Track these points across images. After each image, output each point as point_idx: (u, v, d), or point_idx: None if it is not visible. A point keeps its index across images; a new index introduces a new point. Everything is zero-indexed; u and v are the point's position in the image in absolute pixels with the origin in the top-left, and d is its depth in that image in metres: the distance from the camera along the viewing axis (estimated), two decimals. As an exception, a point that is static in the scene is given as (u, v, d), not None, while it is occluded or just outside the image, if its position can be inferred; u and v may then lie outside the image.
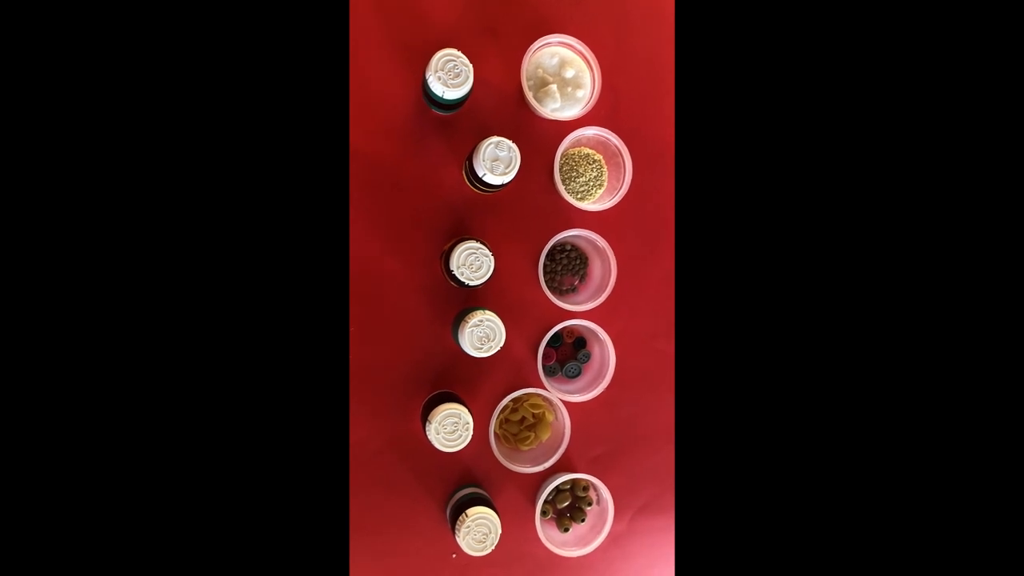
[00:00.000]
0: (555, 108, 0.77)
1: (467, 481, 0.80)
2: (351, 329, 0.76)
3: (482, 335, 0.71)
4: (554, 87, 0.77)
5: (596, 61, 0.77)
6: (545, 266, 0.79)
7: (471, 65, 0.69)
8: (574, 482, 0.81)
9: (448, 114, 0.77)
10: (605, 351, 0.80)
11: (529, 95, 0.75)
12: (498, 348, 0.72)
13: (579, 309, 0.78)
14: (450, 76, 0.69)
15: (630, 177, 0.78)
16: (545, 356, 0.79)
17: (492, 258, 0.71)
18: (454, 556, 0.79)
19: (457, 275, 0.71)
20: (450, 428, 0.71)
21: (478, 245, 0.71)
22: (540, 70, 0.77)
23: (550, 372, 0.81)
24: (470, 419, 0.71)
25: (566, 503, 0.81)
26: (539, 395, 0.79)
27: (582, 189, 0.80)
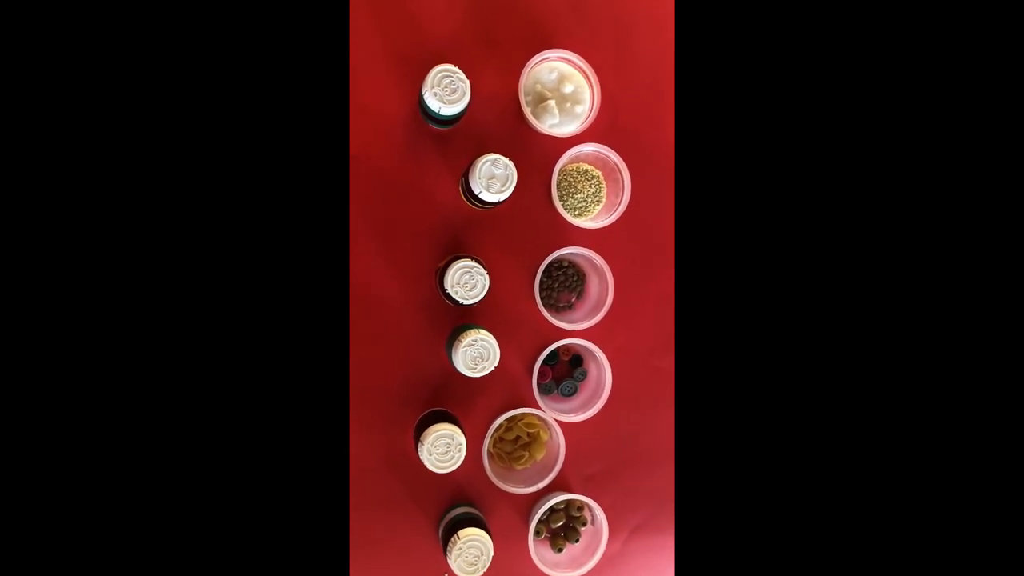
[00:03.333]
0: (553, 124, 0.76)
1: (460, 500, 0.80)
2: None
3: (476, 355, 0.70)
4: (552, 103, 0.76)
5: (595, 76, 0.76)
6: (542, 283, 0.78)
7: (468, 81, 0.68)
8: (568, 502, 0.80)
9: (445, 129, 0.76)
10: (601, 370, 0.79)
11: (527, 110, 0.74)
12: (492, 368, 0.71)
13: (575, 328, 0.77)
14: (446, 92, 0.68)
15: (629, 194, 0.77)
16: (541, 374, 0.79)
17: (487, 277, 0.70)
18: (445, 575, 0.79)
19: (451, 293, 0.70)
20: (443, 449, 0.70)
21: (473, 263, 0.70)
22: (538, 85, 0.76)
23: (546, 390, 0.80)
24: (463, 440, 0.70)
25: (560, 523, 0.80)
26: (534, 414, 0.78)
27: (580, 205, 0.79)
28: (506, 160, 0.69)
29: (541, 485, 0.77)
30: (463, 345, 0.70)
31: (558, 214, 0.76)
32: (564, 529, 0.81)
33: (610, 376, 0.78)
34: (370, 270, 0.76)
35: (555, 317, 0.77)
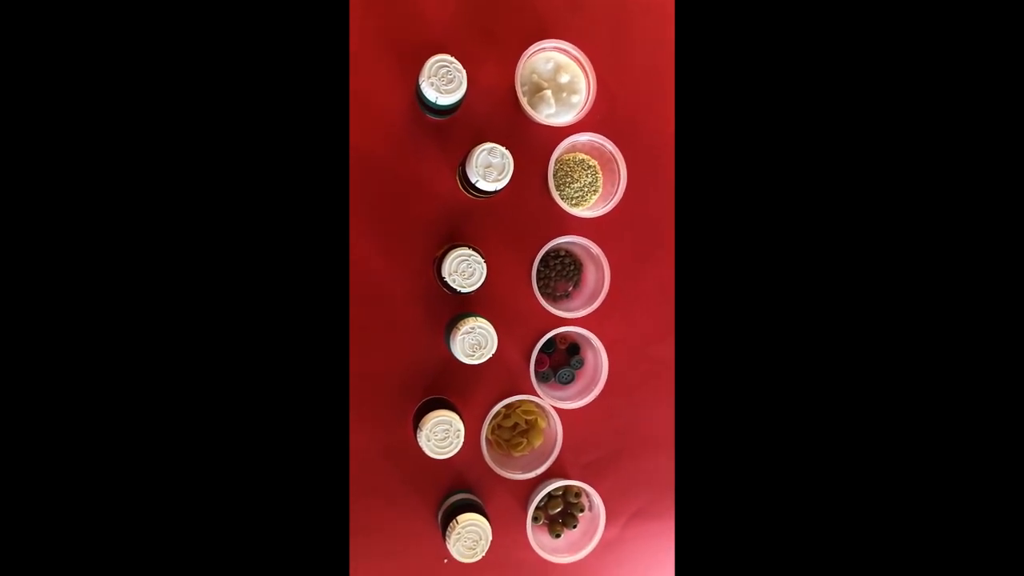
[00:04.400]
0: (550, 113, 0.77)
1: (459, 486, 0.80)
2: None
3: (474, 342, 0.71)
4: (549, 92, 0.76)
5: (591, 66, 0.76)
6: (539, 272, 0.79)
7: (464, 71, 0.69)
8: (566, 488, 0.81)
9: (442, 119, 0.77)
10: (598, 358, 0.79)
11: (523, 100, 0.75)
12: (490, 355, 0.71)
13: (572, 316, 0.78)
14: (443, 82, 0.69)
15: (625, 183, 0.77)
16: (538, 362, 0.79)
17: (484, 265, 0.71)
18: (445, 561, 0.80)
19: (449, 282, 0.70)
20: (441, 435, 0.71)
21: (470, 252, 0.70)
22: (535, 75, 0.77)
23: (543, 378, 0.81)
24: (461, 426, 0.71)
25: (558, 509, 0.81)
26: (532, 401, 0.79)
27: (577, 195, 0.80)
28: (503, 149, 0.70)
29: (539, 471, 0.78)
30: (461, 333, 0.71)
31: (555, 203, 0.77)
32: (562, 515, 0.81)
33: (606, 364, 0.79)
34: (367, 259, 0.76)
35: (552, 306, 0.78)
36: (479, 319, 0.72)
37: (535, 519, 0.79)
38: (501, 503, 0.81)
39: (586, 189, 0.80)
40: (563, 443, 0.79)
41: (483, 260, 0.71)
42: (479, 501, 0.78)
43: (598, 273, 0.79)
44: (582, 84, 0.77)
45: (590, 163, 0.80)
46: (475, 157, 0.69)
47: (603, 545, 0.81)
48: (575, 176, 0.79)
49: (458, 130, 0.77)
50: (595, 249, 0.78)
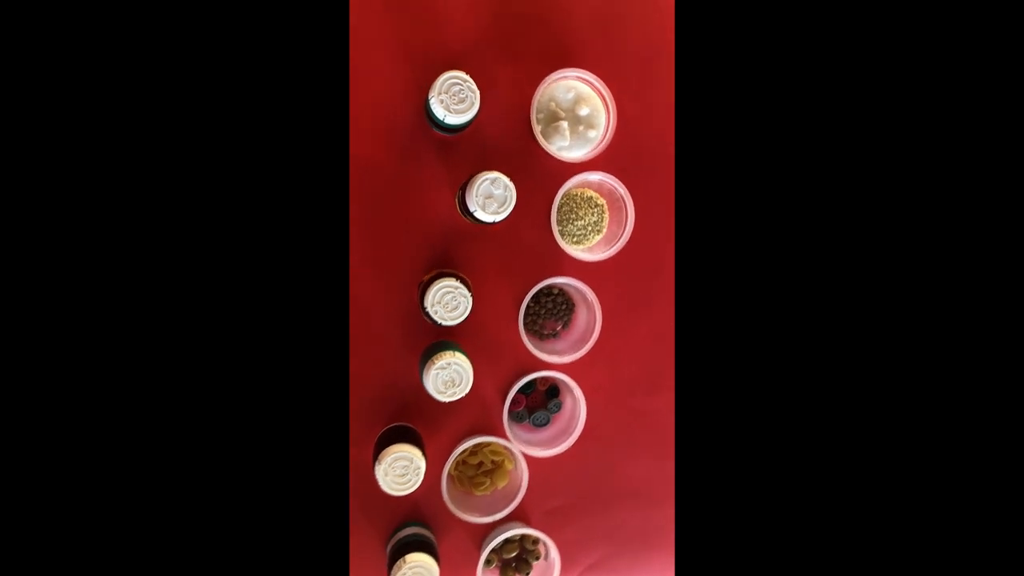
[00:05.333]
0: (563, 146, 0.72)
1: (414, 517, 0.77)
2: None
3: (447, 379, 0.67)
4: (565, 124, 0.72)
5: (614, 102, 0.72)
6: (528, 308, 0.75)
7: (478, 91, 0.64)
8: (524, 535, 0.77)
9: (450, 136, 0.72)
10: (576, 405, 0.76)
11: (536, 129, 0.70)
12: (463, 394, 0.68)
13: (557, 361, 0.74)
14: (454, 101, 0.64)
15: (631, 229, 0.73)
16: (514, 403, 0.76)
17: (470, 299, 0.67)
18: (389, 593, 0.77)
19: (431, 313, 0.66)
20: (400, 471, 0.67)
21: (456, 284, 0.66)
22: (553, 103, 0.72)
23: (517, 418, 0.78)
24: (422, 464, 0.68)
25: (513, 554, 0.78)
26: (501, 444, 0.75)
27: (579, 232, 0.75)
28: (507, 180, 0.65)
29: (498, 516, 0.75)
30: (435, 367, 0.67)
31: (555, 240, 0.72)
32: (516, 560, 0.78)
33: (584, 413, 0.75)
34: (353, 271, 0.72)
35: (537, 346, 0.74)
36: (456, 354, 0.68)
37: (488, 562, 0.76)
38: (455, 539, 0.78)
39: (589, 228, 0.75)
40: (528, 487, 0.76)
41: (469, 293, 0.67)
42: (431, 538, 0.75)
43: (589, 316, 0.75)
44: (601, 119, 0.73)
45: (598, 201, 0.76)
46: (477, 185, 0.65)
47: (554, 595, 0.78)
48: (580, 213, 0.75)
49: (464, 149, 0.73)
50: (590, 295, 0.74)
